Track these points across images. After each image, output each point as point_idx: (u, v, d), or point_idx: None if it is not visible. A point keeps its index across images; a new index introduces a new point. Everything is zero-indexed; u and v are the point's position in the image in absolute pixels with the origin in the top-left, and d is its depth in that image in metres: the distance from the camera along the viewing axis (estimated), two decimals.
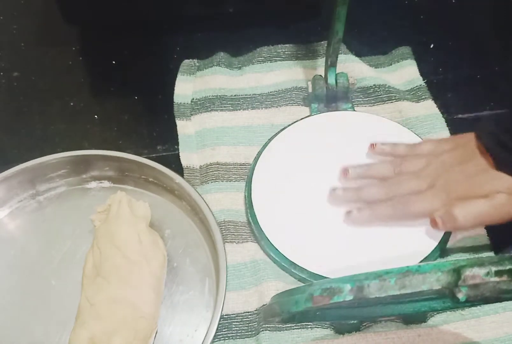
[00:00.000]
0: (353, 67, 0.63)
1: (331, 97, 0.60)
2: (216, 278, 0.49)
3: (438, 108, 0.60)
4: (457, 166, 0.48)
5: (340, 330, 0.47)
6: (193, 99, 0.62)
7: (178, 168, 0.57)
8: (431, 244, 0.49)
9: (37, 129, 0.62)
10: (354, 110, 0.60)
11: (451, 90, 0.64)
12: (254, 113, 0.61)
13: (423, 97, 0.61)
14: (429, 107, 0.60)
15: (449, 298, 0.30)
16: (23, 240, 0.53)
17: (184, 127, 0.60)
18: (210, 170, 0.56)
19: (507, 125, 0.46)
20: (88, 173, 0.56)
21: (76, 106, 0.63)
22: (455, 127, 0.59)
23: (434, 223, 0.47)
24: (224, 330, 0.47)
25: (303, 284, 0.38)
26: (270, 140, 0.57)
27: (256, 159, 0.56)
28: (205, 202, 0.50)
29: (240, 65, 0.65)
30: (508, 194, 0.45)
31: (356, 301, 0.30)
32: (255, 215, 0.52)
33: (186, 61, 0.65)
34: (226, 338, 0.47)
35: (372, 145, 0.54)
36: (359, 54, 0.66)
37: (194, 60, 0.65)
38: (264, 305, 0.48)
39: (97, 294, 0.45)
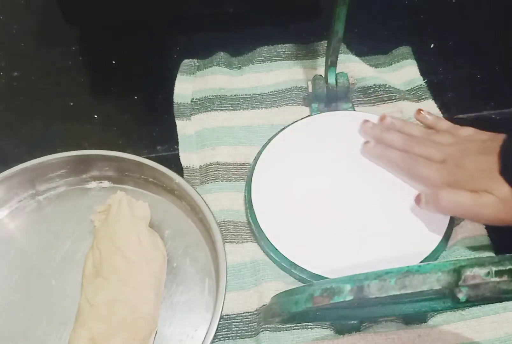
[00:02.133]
0: (353, 67, 0.63)
1: (331, 97, 0.60)
2: (216, 278, 0.49)
3: (438, 108, 0.60)
4: (474, 155, 0.49)
5: (340, 330, 0.47)
6: (193, 99, 0.62)
7: (178, 168, 0.56)
8: (431, 244, 0.49)
9: (37, 129, 0.62)
10: (354, 110, 0.60)
11: (451, 90, 0.64)
12: (254, 113, 0.61)
13: (423, 97, 0.61)
14: (429, 107, 0.60)
15: (449, 298, 0.30)
16: (23, 240, 0.53)
17: (184, 127, 0.60)
18: (210, 170, 0.56)
19: None
20: (88, 173, 0.56)
21: (76, 106, 0.63)
22: None
23: (418, 200, 0.50)
24: (224, 330, 0.47)
25: (303, 284, 0.37)
26: (270, 140, 0.57)
27: (256, 159, 0.56)
28: (205, 202, 0.50)
29: (240, 65, 0.65)
30: (495, 197, 0.46)
31: (356, 301, 0.30)
32: (255, 215, 0.52)
33: (186, 61, 0.65)
34: (226, 338, 0.47)
35: (419, 111, 0.56)
36: (359, 54, 0.66)
37: (194, 60, 0.65)
38: (264, 305, 0.48)
39: (97, 294, 0.45)
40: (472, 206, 0.47)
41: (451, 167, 0.50)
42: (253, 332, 0.47)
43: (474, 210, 0.47)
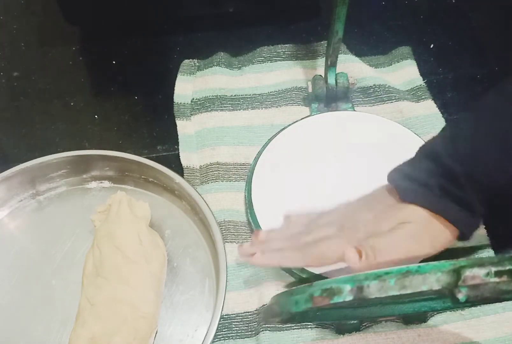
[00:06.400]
0: (353, 67, 0.63)
1: (331, 97, 0.60)
2: (216, 278, 0.49)
3: (438, 108, 0.60)
4: (365, 208, 0.45)
5: (340, 330, 0.47)
6: (193, 99, 0.62)
7: (178, 168, 0.57)
8: None
9: (37, 129, 0.62)
10: (354, 110, 0.60)
11: (451, 90, 0.64)
12: (254, 113, 0.61)
13: (423, 97, 0.61)
14: (429, 107, 0.60)
15: (449, 299, 0.30)
16: (23, 240, 0.53)
17: (184, 127, 0.60)
18: (210, 170, 0.56)
19: (410, 161, 0.44)
20: (88, 173, 0.56)
21: (76, 106, 0.63)
22: None
23: (358, 255, 0.40)
24: (224, 330, 0.47)
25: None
26: (270, 140, 0.57)
27: (256, 159, 0.56)
28: (205, 202, 0.50)
29: (240, 65, 0.65)
30: (415, 223, 0.41)
31: (356, 302, 0.30)
32: (255, 215, 0.52)
33: (186, 61, 0.65)
34: (226, 338, 0.47)
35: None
36: (359, 54, 0.66)
37: (194, 60, 0.65)
38: (264, 305, 0.48)
39: (97, 294, 0.45)
40: (405, 243, 0.41)
41: (351, 228, 0.43)
42: (253, 332, 0.47)
43: (410, 245, 0.41)
